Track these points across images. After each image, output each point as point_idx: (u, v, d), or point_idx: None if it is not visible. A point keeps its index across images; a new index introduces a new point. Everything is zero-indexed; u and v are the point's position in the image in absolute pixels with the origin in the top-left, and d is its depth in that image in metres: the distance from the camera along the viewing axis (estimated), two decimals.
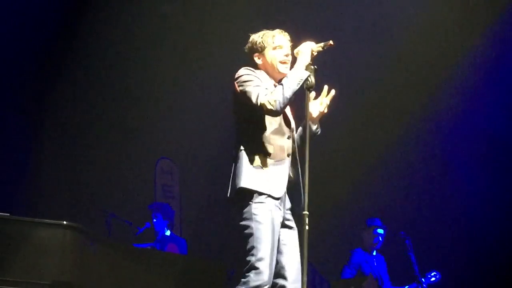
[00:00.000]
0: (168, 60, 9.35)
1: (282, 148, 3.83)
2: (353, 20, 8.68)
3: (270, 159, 3.77)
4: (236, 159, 3.81)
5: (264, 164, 3.74)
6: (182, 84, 9.41)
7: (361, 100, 8.52)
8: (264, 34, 4.04)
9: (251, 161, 3.75)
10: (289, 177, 3.87)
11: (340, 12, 8.69)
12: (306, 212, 3.63)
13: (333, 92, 3.94)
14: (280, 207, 3.82)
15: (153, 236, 8.05)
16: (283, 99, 3.69)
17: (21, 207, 7.83)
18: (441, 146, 9.22)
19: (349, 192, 9.21)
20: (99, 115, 9.39)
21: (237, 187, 3.75)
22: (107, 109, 9.38)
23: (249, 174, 3.73)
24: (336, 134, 8.75)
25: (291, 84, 3.70)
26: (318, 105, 3.99)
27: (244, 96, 3.80)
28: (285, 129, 3.89)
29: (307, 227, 3.60)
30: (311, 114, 3.93)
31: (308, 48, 3.80)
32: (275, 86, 3.92)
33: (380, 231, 7.83)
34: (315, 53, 3.84)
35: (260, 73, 3.96)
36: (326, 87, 3.94)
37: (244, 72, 3.89)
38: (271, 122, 3.83)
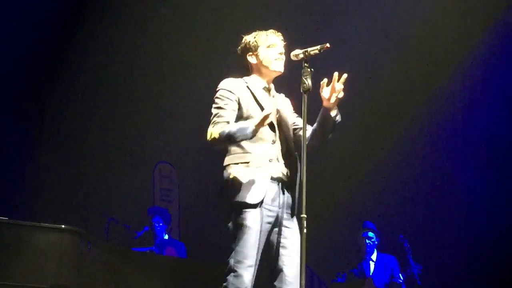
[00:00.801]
0: (168, 63, 9.35)
1: (261, 155, 3.85)
2: (354, 21, 8.68)
3: (247, 167, 3.80)
4: (221, 173, 3.89)
5: (240, 175, 3.77)
6: (181, 87, 9.42)
7: (360, 102, 8.52)
8: (257, 34, 4.06)
9: (229, 174, 3.81)
10: (283, 177, 3.88)
11: (341, 13, 8.70)
12: (304, 216, 3.60)
13: (345, 76, 3.86)
14: (271, 208, 3.82)
15: (151, 240, 8.05)
16: (220, 140, 3.76)
17: (19, 211, 7.83)
18: (441, 148, 9.22)
19: (348, 194, 9.21)
20: (98, 119, 9.40)
21: (219, 203, 3.84)
22: (106, 112, 9.39)
23: (227, 188, 3.79)
24: (335, 136, 8.77)
25: (236, 133, 3.73)
26: (331, 91, 3.88)
27: (212, 111, 3.92)
28: (267, 134, 3.90)
29: (305, 230, 3.60)
30: (327, 101, 3.87)
31: (270, 112, 3.74)
32: (266, 88, 3.99)
33: (371, 234, 7.84)
34: (312, 54, 3.84)
35: (240, 85, 3.97)
36: (336, 73, 3.90)
37: (221, 87, 3.96)
38: None
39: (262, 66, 4.01)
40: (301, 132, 3.96)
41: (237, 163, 3.82)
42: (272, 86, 4.08)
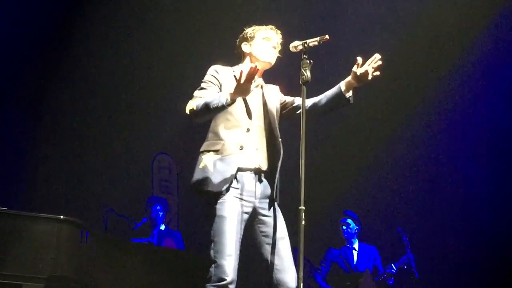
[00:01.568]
0: (167, 55, 9.34)
1: (232, 143, 3.88)
2: (353, 17, 8.68)
3: (216, 155, 3.86)
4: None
5: (209, 163, 3.85)
6: (180, 78, 9.40)
7: (358, 96, 8.50)
8: (257, 27, 4.16)
9: (200, 161, 3.90)
10: (260, 167, 3.90)
11: (340, 10, 8.69)
12: (302, 207, 3.61)
13: (378, 58, 3.91)
14: (247, 198, 3.85)
15: (149, 231, 8.06)
16: (198, 110, 3.84)
17: (18, 202, 7.84)
18: (440, 140, 9.21)
19: (345, 187, 9.21)
20: (97, 110, 9.39)
21: (192, 190, 3.91)
22: (105, 104, 9.38)
23: (197, 175, 3.88)
24: (333, 129, 8.78)
25: (212, 101, 3.78)
26: (367, 69, 3.92)
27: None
28: (243, 122, 3.94)
29: (303, 222, 3.59)
30: (358, 77, 3.91)
31: (247, 88, 3.75)
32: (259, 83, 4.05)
33: (349, 221, 7.91)
34: (312, 45, 3.84)
35: (226, 72, 4.03)
36: (377, 55, 3.91)
37: (208, 72, 4.06)
38: (228, 118, 3.91)
39: (253, 56, 4.10)
40: (292, 106, 4.10)
41: (209, 151, 3.88)
42: (260, 80, 4.11)
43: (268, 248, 3.85)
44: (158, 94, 9.63)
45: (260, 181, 3.92)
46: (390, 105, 8.97)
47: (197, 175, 3.87)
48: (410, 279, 7.74)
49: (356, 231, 7.93)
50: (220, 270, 3.69)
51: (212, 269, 3.71)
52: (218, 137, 3.90)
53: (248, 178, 3.88)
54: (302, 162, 3.67)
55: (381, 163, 9.31)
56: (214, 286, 3.69)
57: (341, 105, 4.02)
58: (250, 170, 3.89)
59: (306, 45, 3.84)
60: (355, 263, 7.81)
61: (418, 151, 9.29)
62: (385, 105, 8.97)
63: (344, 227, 7.92)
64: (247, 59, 4.13)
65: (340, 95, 3.97)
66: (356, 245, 7.94)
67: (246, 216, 3.86)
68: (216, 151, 3.86)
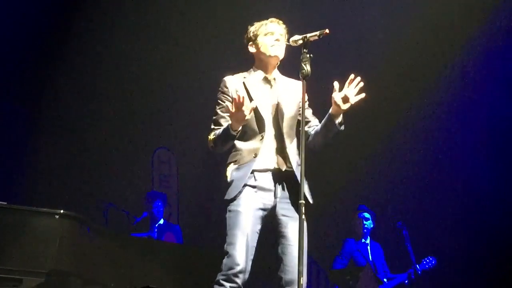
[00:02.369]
0: (167, 50, 9.33)
1: (247, 152, 3.95)
2: (351, 14, 8.67)
3: (235, 165, 3.95)
4: None
5: (228, 173, 3.96)
6: (180, 74, 9.40)
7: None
8: (257, 24, 4.15)
9: (224, 173, 3.98)
10: (276, 168, 3.92)
11: (338, 7, 8.68)
12: (302, 201, 3.61)
13: (358, 79, 3.89)
14: (264, 196, 3.89)
15: (149, 225, 8.06)
16: (215, 145, 3.99)
17: (18, 196, 7.84)
18: (440, 134, 9.21)
19: (346, 180, 9.21)
20: (96, 105, 9.38)
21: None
22: (105, 98, 9.37)
23: (224, 185, 3.96)
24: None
25: (220, 137, 3.93)
26: (343, 97, 3.89)
27: None
28: (257, 130, 3.97)
29: (303, 216, 3.60)
30: (336, 106, 3.88)
31: (243, 118, 3.80)
32: (265, 79, 4.06)
33: (366, 215, 7.91)
34: (312, 39, 3.83)
35: (236, 82, 4.05)
36: (352, 76, 3.88)
37: (219, 88, 4.10)
38: (244, 129, 3.94)
39: (261, 53, 4.09)
40: (307, 128, 4.05)
41: (229, 163, 3.98)
42: (274, 75, 4.11)
43: (282, 249, 3.88)
44: (158, 89, 9.62)
45: (280, 182, 3.94)
46: (390, 99, 8.95)
47: (225, 187, 3.97)
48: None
49: (372, 226, 7.95)
50: (230, 259, 3.78)
51: (224, 260, 3.81)
52: (236, 148, 3.98)
53: (266, 178, 3.92)
54: (302, 156, 3.67)
55: (381, 157, 9.31)
56: (223, 274, 3.78)
57: (334, 133, 3.97)
58: (268, 170, 3.93)
59: (306, 39, 3.82)
60: (370, 258, 7.82)
61: (418, 144, 9.28)
62: (384, 100, 8.95)
63: (365, 222, 7.91)
64: (257, 59, 4.13)
65: (331, 122, 3.93)
66: (368, 241, 7.94)
67: (263, 213, 3.90)
68: (235, 162, 3.96)
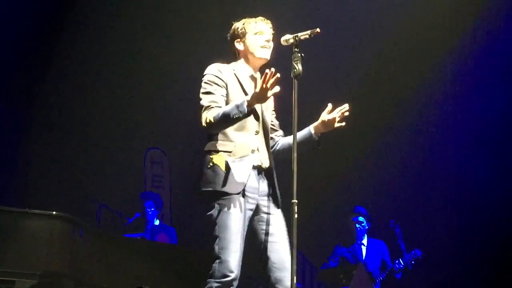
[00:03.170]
0: (159, 49, 9.31)
1: (244, 145, 3.85)
2: (344, 11, 8.67)
3: (230, 156, 3.80)
4: (201, 159, 3.87)
5: (221, 163, 3.77)
6: (172, 73, 9.39)
7: (350, 87, 8.51)
8: (246, 20, 4.05)
9: (210, 161, 3.79)
10: (262, 165, 3.89)
11: (332, 4, 8.68)
12: (295, 201, 3.60)
13: (346, 107, 3.92)
14: (251, 195, 3.83)
15: (142, 226, 8.05)
16: (216, 122, 3.74)
17: (10, 198, 7.81)
18: (433, 132, 9.22)
19: (338, 179, 9.22)
20: (88, 106, 9.36)
21: (199, 190, 3.82)
22: (97, 99, 9.35)
23: (207, 176, 3.77)
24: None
25: (231, 112, 3.70)
26: (331, 120, 3.94)
27: (200, 97, 3.90)
28: (251, 124, 3.90)
29: (296, 215, 3.59)
30: (323, 124, 3.93)
31: (266, 98, 3.71)
32: (252, 77, 3.99)
33: (361, 219, 7.90)
34: (303, 38, 3.82)
35: (227, 71, 3.96)
36: (346, 105, 3.92)
37: (208, 72, 3.95)
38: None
39: (249, 52, 4.02)
40: (273, 134, 4.06)
41: (218, 151, 3.81)
42: (258, 75, 4.05)
43: (267, 246, 3.82)
44: (150, 89, 9.60)
45: (262, 179, 3.90)
46: (382, 98, 8.97)
47: (207, 175, 3.78)
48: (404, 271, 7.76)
49: (367, 227, 7.94)
50: (224, 266, 3.65)
51: (215, 265, 3.68)
52: (227, 138, 3.84)
53: (254, 177, 3.86)
54: (295, 155, 3.67)
55: (376, 155, 9.32)
56: (217, 282, 3.66)
57: (311, 148, 3.97)
58: (257, 169, 3.88)
59: (297, 38, 3.81)
60: (364, 258, 7.81)
61: (410, 143, 9.29)
62: (378, 99, 8.97)
63: (358, 226, 7.90)
64: (243, 56, 4.03)
65: (310, 138, 3.95)
66: (365, 241, 7.93)
67: (250, 213, 3.84)
68: (229, 152, 3.80)
